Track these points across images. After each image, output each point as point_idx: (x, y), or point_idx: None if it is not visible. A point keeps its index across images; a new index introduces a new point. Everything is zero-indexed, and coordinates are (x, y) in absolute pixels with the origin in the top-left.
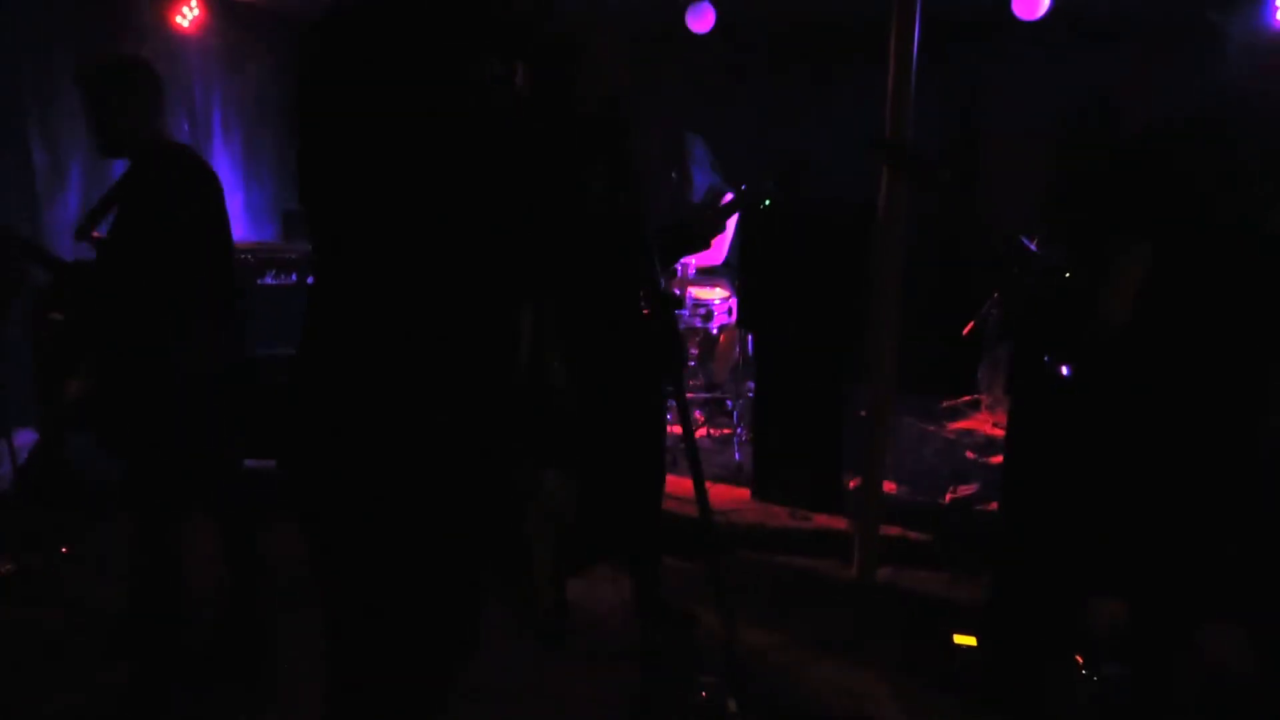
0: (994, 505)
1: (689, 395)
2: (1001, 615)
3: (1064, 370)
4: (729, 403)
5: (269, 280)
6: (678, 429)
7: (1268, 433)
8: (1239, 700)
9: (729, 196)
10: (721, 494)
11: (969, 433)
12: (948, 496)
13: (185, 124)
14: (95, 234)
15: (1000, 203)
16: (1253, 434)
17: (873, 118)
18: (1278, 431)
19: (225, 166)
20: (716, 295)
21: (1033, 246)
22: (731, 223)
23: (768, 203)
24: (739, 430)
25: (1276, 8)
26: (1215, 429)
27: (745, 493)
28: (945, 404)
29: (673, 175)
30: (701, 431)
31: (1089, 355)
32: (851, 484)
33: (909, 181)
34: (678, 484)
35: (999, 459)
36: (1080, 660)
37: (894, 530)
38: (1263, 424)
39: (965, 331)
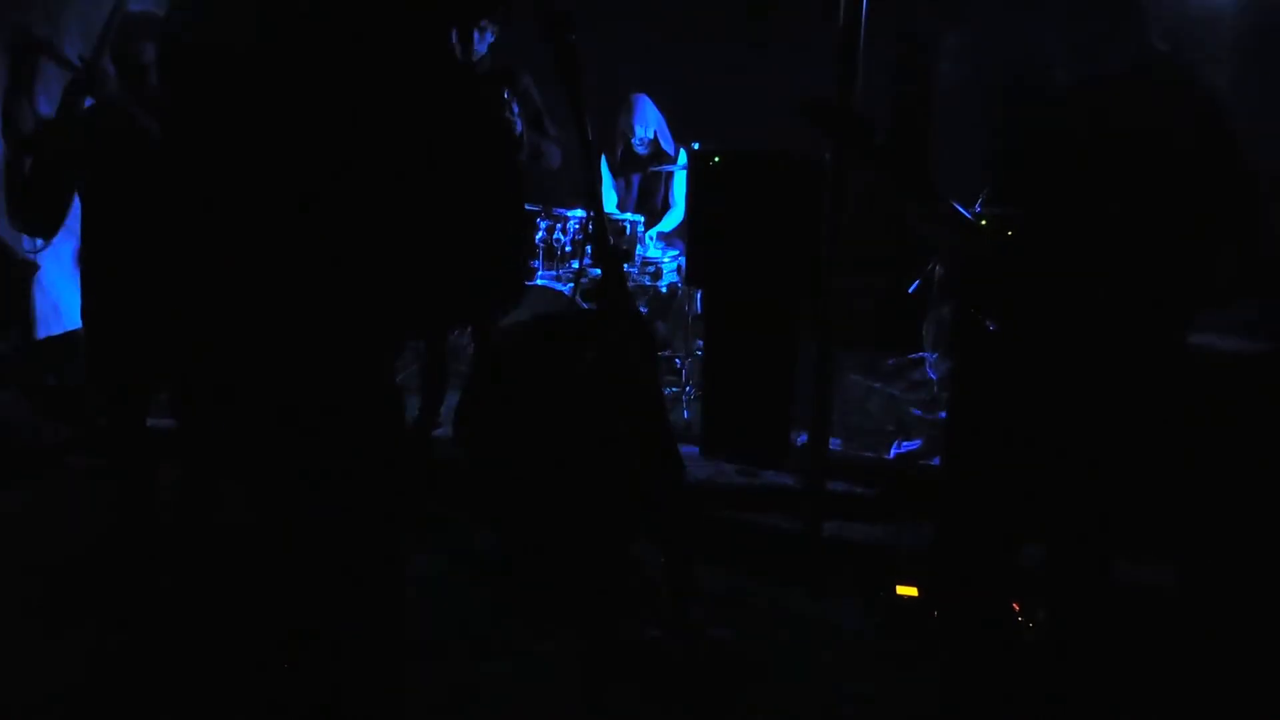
0: (938, 460)
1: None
2: (940, 565)
3: (989, 325)
4: (678, 361)
5: None
6: None
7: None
8: (1169, 636)
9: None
10: None
11: (914, 389)
12: (893, 452)
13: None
14: None
15: (952, 163)
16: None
17: (822, 74)
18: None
19: None
20: (666, 254)
21: (977, 207)
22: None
23: (717, 160)
24: (688, 388)
25: None
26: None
27: (694, 450)
28: (891, 361)
29: (620, 129)
30: None
31: (1027, 306)
32: (799, 440)
33: (841, 145)
34: None
35: (943, 415)
36: (1017, 607)
37: (840, 485)
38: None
39: (911, 290)
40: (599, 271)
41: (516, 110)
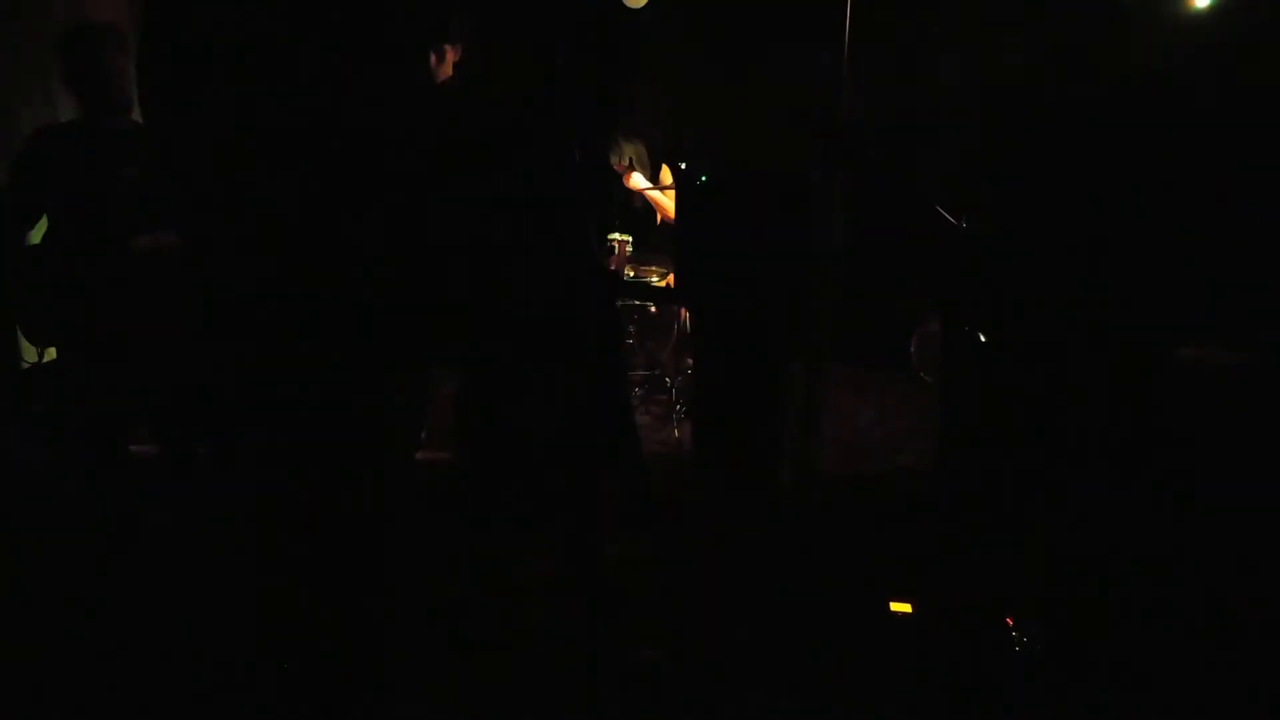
0: (928, 474)
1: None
2: (933, 579)
3: (980, 337)
4: (667, 380)
5: None
6: None
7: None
8: (1167, 644)
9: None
10: (660, 470)
11: (903, 403)
12: (883, 467)
13: None
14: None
15: (941, 174)
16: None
17: (812, 87)
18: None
19: None
20: (655, 273)
21: (964, 221)
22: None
23: (704, 179)
24: (678, 407)
25: None
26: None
27: (684, 468)
28: (880, 375)
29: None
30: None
31: (1015, 316)
32: (789, 456)
33: (839, 159)
34: None
35: (932, 429)
36: (1010, 623)
37: (831, 501)
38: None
39: (898, 304)
40: None
41: None
